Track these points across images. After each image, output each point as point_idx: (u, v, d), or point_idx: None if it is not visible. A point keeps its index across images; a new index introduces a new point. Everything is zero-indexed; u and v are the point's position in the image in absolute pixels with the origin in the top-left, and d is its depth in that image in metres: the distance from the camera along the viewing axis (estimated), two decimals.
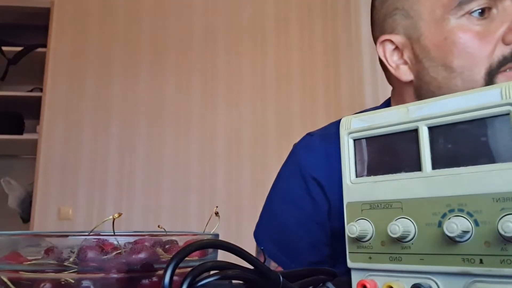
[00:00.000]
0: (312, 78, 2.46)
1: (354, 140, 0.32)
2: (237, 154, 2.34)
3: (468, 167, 0.26)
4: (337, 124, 0.68)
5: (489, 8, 0.53)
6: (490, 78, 0.53)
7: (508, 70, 0.53)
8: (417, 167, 0.28)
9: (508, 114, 0.25)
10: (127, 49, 2.42)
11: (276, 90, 2.43)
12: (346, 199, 0.31)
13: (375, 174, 0.30)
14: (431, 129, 0.28)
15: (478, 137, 0.27)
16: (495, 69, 0.53)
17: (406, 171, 0.29)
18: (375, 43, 0.64)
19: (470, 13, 0.53)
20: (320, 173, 0.64)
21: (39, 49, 2.43)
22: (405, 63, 0.60)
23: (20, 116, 2.58)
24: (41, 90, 2.39)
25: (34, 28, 2.61)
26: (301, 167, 0.67)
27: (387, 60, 0.62)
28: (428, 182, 0.28)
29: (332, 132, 0.67)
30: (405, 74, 0.60)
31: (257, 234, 0.70)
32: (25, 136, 2.45)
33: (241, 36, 2.48)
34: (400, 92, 0.64)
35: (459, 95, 0.28)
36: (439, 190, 0.27)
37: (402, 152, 0.30)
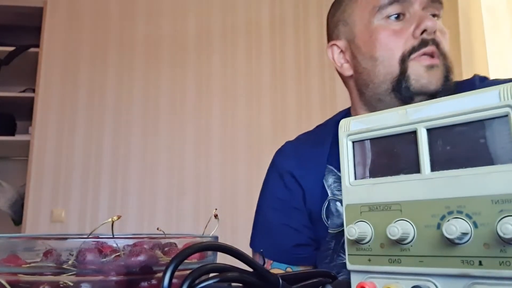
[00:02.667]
0: (307, 79, 2.47)
1: (353, 142, 0.32)
2: (232, 156, 2.34)
3: (466, 169, 0.27)
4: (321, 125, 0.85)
5: (403, 14, 0.70)
6: (402, 63, 0.68)
7: (417, 57, 0.68)
8: (416, 169, 0.28)
9: (506, 115, 0.26)
10: (120, 50, 2.41)
11: (271, 92, 2.43)
12: (345, 201, 0.31)
13: (374, 176, 0.31)
14: (429, 131, 0.28)
15: (476, 139, 0.27)
16: (406, 56, 0.68)
17: (405, 173, 0.29)
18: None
19: (388, 16, 0.70)
20: (290, 165, 0.79)
21: (32, 49, 2.41)
22: (347, 61, 0.77)
23: (12, 117, 2.56)
24: (33, 90, 2.37)
25: (27, 28, 2.59)
26: (276, 166, 0.83)
27: (334, 61, 0.79)
28: (427, 184, 0.28)
29: (305, 134, 0.87)
30: (347, 70, 0.77)
31: (252, 242, 0.82)
32: (17, 137, 2.42)
33: (236, 37, 2.48)
34: (348, 88, 0.80)
35: (458, 97, 0.28)
36: (438, 192, 0.27)
37: (401, 154, 0.30)
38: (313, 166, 0.76)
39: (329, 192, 0.73)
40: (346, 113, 0.83)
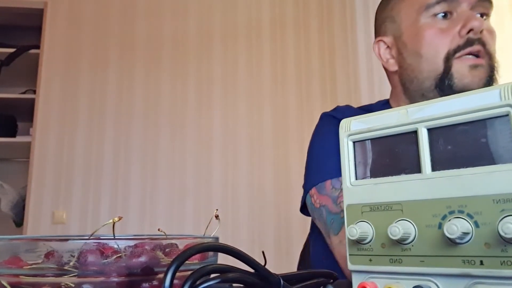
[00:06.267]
0: (308, 79, 2.47)
1: (354, 142, 0.32)
2: (233, 157, 2.34)
3: (468, 168, 0.26)
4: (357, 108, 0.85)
5: (450, 12, 0.71)
6: (447, 61, 0.70)
7: (462, 56, 0.69)
8: (417, 169, 0.28)
9: (507, 115, 0.26)
10: (121, 50, 2.41)
11: (272, 92, 2.43)
12: (346, 201, 0.31)
13: (375, 176, 0.30)
14: (430, 130, 0.28)
15: (477, 139, 0.27)
16: (451, 54, 0.69)
17: (406, 173, 0.29)
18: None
19: (435, 15, 0.72)
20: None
21: (33, 51, 2.42)
22: (392, 57, 0.79)
23: (13, 118, 2.56)
24: (34, 92, 2.37)
25: (27, 29, 2.59)
26: (331, 115, 0.82)
27: (380, 56, 0.80)
28: (428, 183, 0.28)
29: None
30: (392, 65, 0.79)
31: (311, 178, 0.75)
32: (18, 138, 2.43)
33: (237, 37, 2.48)
34: (392, 83, 0.82)
35: (459, 96, 0.28)
36: (439, 191, 0.27)
37: (402, 154, 0.30)
38: None
39: None
40: (384, 103, 0.85)
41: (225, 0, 2.52)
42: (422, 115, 0.29)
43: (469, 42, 0.68)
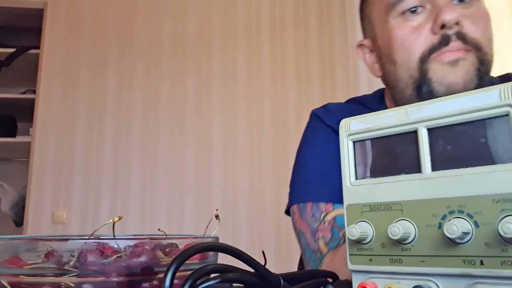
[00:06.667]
0: (308, 79, 2.47)
1: (354, 142, 0.32)
2: (233, 156, 2.34)
3: (467, 168, 0.26)
4: (347, 101, 0.79)
5: (422, 6, 0.60)
6: (422, 65, 0.60)
7: (438, 55, 0.59)
8: (417, 168, 0.28)
9: (507, 115, 0.26)
10: (121, 51, 2.41)
11: (271, 92, 2.43)
12: (346, 201, 0.31)
13: (375, 176, 0.30)
14: (430, 130, 0.28)
15: (477, 139, 0.27)
16: (426, 55, 0.59)
17: (405, 173, 0.29)
18: None
19: (403, 12, 0.61)
20: (334, 121, 0.71)
21: (32, 51, 2.42)
22: (377, 61, 0.69)
23: (13, 118, 2.56)
24: (34, 92, 2.37)
25: (27, 29, 2.59)
26: (320, 119, 0.74)
27: (365, 60, 0.72)
28: (428, 183, 0.28)
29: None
30: (377, 70, 0.70)
31: (297, 194, 0.71)
32: (18, 138, 2.43)
33: (236, 38, 2.48)
34: (385, 85, 0.74)
35: (458, 96, 0.28)
36: (439, 191, 0.27)
37: (402, 154, 0.30)
38: None
39: None
40: (379, 100, 0.76)
41: (225, 0, 2.52)
42: (422, 115, 0.29)
43: (444, 39, 0.58)
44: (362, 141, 0.32)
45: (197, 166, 2.32)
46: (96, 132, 2.32)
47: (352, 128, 0.32)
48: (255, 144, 2.34)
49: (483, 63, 0.58)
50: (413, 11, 0.61)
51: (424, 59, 0.59)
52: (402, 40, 0.61)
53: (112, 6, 2.46)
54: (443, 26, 0.58)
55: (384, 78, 0.69)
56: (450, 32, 0.58)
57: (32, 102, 2.32)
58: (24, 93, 2.56)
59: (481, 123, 0.26)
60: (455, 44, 0.58)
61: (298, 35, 2.52)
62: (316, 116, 0.76)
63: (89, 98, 2.36)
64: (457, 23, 0.58)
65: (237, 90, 2.42)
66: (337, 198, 0.65)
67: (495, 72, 0.67)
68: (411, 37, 0.60)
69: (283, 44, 2.50)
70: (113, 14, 2.46)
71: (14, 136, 2.46)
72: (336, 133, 0.69)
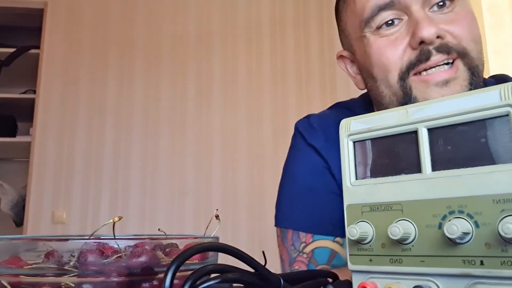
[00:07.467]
0: (308, 79, 2.47)
1: (354, 142, 0.32)
2: (233, 156, 2.34)
3: (468, 168, 0.26)
4: (333, 107, 0.77)
5: (399, 18, 0.57)
6: (402, 82, 0.56)
7: (418, 73, 0.55)
8: (417, 169, 0.28)
9: (507, 115, 0.26)
10: (121, 50, 2.41)
11: (271, 92, 2.43)
12: (346, 202, 0.31)
13: (375, 176, 0.30)
14: (430, 130, 0.28)
15: (477, 139, 0.27)
16: (405, 72, 0.56)
17: (406, 173, 0.29)
18: None
19: (379, 27, 0.58)
20: (317, 139, 0.68)
21: (32, 51, 2.42)
22: (359, 73, 0.65)
23: (13, 118, 2.56)
24: (34, 92, 2.37)
25: (27, 29, 2.59)
26: (303, 137, 0.71)
27: (348, 72, 0.68)
28: (428, 184, 0.28)
29: (327, 112, 0.76)
30: (360, 83, 0.66)
31: (282, 218, 0.70)
32: (18, 138, 2.43)
33: (236, 38, 2.48)
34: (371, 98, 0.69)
35: (459, 96, 0.28)
36: (439, 191, 0.27)
37: (402, 154, 0.30)
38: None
39: None
40: (367, 107, 0.72)
41: (225, 0, 2.52)
42: (422, 115, 0.29)
43: (424, 55, 0.54)
44: (362, 141, 0.32)
45: (197, 166, 2.32)
46: (96, 132, 2.32)
47: (352, 128, 0.32)
48: (255, 144, 2.34)
49: (474, 72, 0.55)
50: (389, 24, 0.57)
51: (403, 77, 0.56)
52: (378, 55, 0.57)
53: (112, 6, 2.46)
54: (421, 42, 0.54)
55: (368, 92, 0.65)
56: (431, 47, 0.54)
57: (32, 102, 2.32)
58: (24, 93, 2.57)
59: (482, 123, 0.26)
60: (435, 58, 0.54)
61: (298, 35, 2.52)
62: (299, 132, 0.73)
63: (89, 98, 2.36)
64: (437, 37, 0.54)
65: (237, 90, 2.42)
66: (318, 223, 0.63)
67: (495, 72, 0.65)
68: (388, 51, 0.56)
69: (283, 44, 2.50)
70: (113, 14, 2.46)
71: (14, 136, 2.46)
72: (317, 152, 0.68)
